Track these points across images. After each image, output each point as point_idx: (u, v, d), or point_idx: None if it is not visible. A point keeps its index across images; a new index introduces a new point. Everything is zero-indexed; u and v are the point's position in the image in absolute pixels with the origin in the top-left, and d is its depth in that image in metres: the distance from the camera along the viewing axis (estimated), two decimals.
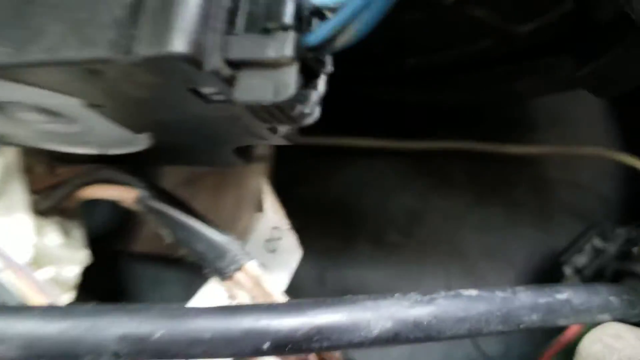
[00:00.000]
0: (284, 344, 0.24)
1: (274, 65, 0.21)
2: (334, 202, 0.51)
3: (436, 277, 0.48)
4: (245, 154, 0.30)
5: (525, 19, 0.36)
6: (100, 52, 0.21)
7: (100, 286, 0.41)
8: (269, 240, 0.35)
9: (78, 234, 0.35)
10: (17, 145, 0.32)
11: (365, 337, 0.25)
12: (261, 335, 0.24)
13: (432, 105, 0.49)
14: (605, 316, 0.33)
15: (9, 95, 0.25)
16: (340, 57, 0.41)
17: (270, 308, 0.25)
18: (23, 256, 0.30)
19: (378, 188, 0.52)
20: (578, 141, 0.51)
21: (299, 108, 0.22)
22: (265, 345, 0.24)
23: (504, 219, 0.50)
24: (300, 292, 0.47)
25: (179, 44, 0.20)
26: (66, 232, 0.34)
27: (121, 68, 0.21)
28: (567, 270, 0.44)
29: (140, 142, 0.29)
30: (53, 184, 0.34)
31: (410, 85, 0.46)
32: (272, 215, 0.34)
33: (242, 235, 0.35)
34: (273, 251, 0.35)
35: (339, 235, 0.50)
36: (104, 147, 0.30)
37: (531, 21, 0.36)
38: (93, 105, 0.25)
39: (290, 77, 0.21)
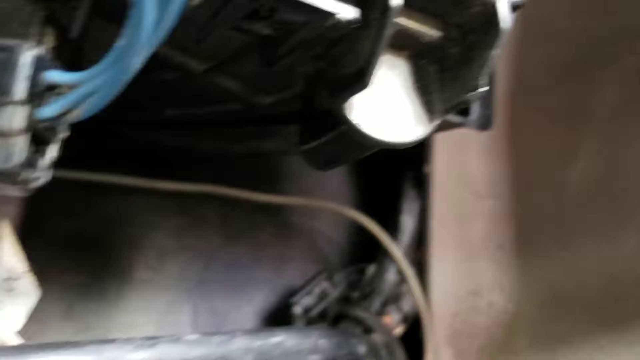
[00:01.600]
0: None
1: (5, 134, 0.22)
2: (87, 237, 0.52)
3: (182, 313, 0.51)
4: None
5: (267, 92, 0.40)
6: None
7: None
8: (6, 280, 0.35)
9: None
10: None
11: None
12: None
13: (188, 151, 0.52)
14: (315, 357, 0.39)
15: None
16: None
17: None
18: None
19: (132, 224, 0.53)
20: (319, 194, 0.58)
21: (25, 174, 0.24)
22: None
23: (249, 260, 0.54)
24: (46, 327, 0.47)
25: None
26: None
27: None
28: (297, 310, 0.50)
29: None
30: None
31: (170, 132, 0.49)
32: (9, 258, 0.35)
33: None
34: (10, 291, 0.35)
35: (89, 270, 0.50)
36: None
37: (271, 95, 0.40)
38: None
39: (19, 146, 0.23)
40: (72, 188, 0.52)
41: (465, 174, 0.53)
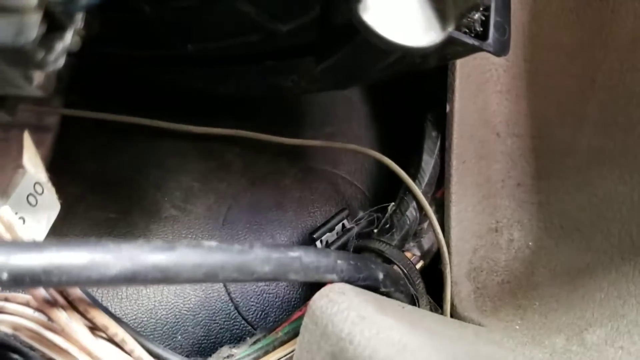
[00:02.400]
0: (21, 276, 0.27)
1: (17, 10, 0.24)
2: (114, 178, 0.53)
3: None
4: (5, 104, 0.32)
5: (285, 19, 0.41)
6: None
7: None
8: (31, 195, 0.36)
9: None
10: None
11: (103, 275, 0.28)
12: None
13: (210, 94, 0.53)
14: (333, 276, 0.40)
15: None
16: (126, 38, 0.45)
17: (12, 245, 0.27)
18: None
19: (158, 167, 0.55)
20: (342, 138, 0.59)
21: (40, 54, 0.25)
22: (3, 276, 0.26)
23: (272, 202, 0.55)
24: None
25: None
26: None
27: None
28: (317, 244, 0.51)
29: None
30: None
31: (190, 72, 0.50)
32: (33, 170, 0.36)
33: (6, 190, 0.36)
34: (34, 205, 0.37)
35: (116, 208, 0.52)
36: None
37: (290, 22, 0.41)
38: None
39: (31, 23, 0.24)
40: (98, 131, 0.54)
41: (486, 113, 0.53)
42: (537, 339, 0.44)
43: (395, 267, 0.47)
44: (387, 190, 0.57)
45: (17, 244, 0.28)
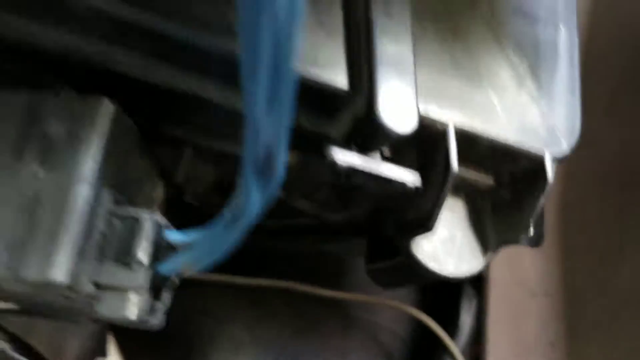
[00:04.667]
0: None
1: (128, 290, 0.28)
2: (168, 329, 0.57)
3: None
4: None
5: (337, 212, 0.45)
6: None
7: None
8: None
9: None
10: None
11: None
12: None
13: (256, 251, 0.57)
14: None
15: None
16: None
17: None
18: None
19: (209, 316, 0.58)
20: (380, 290, 0.62)
21: (145, 321, 0.29)
22: None
23: (314, 351, 0.58)
24: None
25: (59, 273, 0.26)
26: None
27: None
28: None
29: None
30: None
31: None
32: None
33: None
34: None
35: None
36: None
37: (341, 213, 0.45)
38: None
39: (141, 300, 0.28)
40: None
41: (520, 272, 0.56)
42: None
43: None
44: (425, 339, 0.60)
45: None
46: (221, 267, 0.58)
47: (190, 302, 0.59)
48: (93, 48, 0.29)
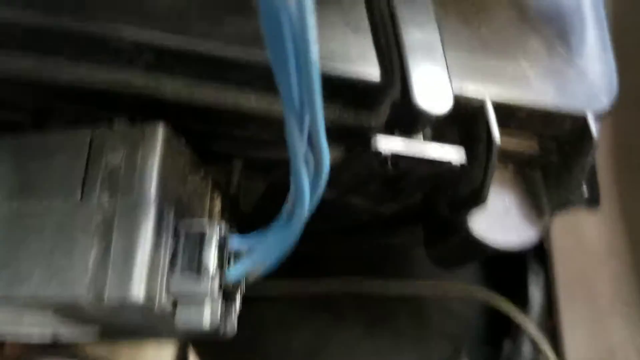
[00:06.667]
0: None
1: (201, 302, 0.29)
2: (241, 341, 0.58)
3: None
4: None
5: (389, 204, 0.46)
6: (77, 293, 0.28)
7: None
8: None
9: None
10: None
11: None
12: None
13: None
14: None
15: None
16: None
17: None
18: None
19: (280, 326, 0.60)
20: (447, 274, 0.62)
21: (218, 327, 0.30)
22: None
23: (389, 346, 0.59)
24: None
25: (137, 290, 0.27)
26: None
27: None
28: None
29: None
30: None
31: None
32: None
33: None
34: None
35: None
36: None
37: (393, 203, 0.46)
38: None
39: (213, 310, 0.29)
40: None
41: (584, 239, 0.56)
42: None
43: None
44: (498, 319, 0.60)
45: None
46: (287, 276, 0.60)
47: (262, 314, 0.60)
48: (139, 81, 0.31)
